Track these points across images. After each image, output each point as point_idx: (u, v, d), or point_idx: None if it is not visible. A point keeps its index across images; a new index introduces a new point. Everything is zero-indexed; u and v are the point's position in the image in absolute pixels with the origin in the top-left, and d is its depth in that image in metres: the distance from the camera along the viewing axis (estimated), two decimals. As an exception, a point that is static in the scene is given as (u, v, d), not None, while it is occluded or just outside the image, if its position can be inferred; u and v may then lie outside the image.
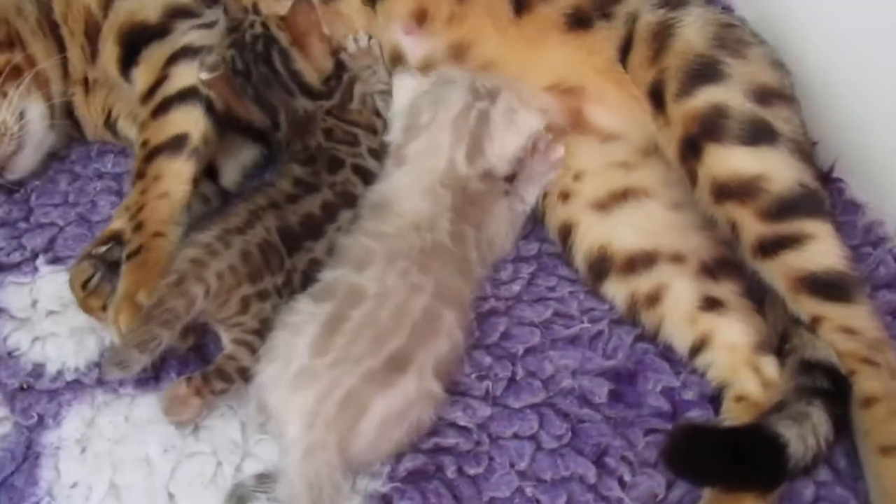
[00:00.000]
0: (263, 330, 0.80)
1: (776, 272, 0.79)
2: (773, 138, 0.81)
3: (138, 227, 0.88)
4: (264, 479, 0.75)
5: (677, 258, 0.87)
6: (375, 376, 0.72)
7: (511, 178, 0.94)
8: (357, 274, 0.79)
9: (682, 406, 0.82)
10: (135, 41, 0.98)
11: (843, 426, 0.74)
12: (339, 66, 0.96)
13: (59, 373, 0.87)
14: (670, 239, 0.88)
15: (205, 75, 0.90)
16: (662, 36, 0.88)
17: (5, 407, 0.85)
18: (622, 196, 0.91)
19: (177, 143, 0.92)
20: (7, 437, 0.83)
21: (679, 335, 0.84)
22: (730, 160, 0.81)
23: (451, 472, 0.75)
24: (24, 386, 0.87)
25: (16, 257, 0.99)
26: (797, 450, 0.67)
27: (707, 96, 0.83)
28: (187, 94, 0.94)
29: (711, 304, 0.83)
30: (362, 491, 0.75)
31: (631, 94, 0.92)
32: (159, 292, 0.77)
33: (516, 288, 0.91)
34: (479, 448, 0.78)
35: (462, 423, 0.79)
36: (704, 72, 0.84)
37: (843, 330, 0.76)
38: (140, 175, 0.92)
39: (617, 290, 0.88)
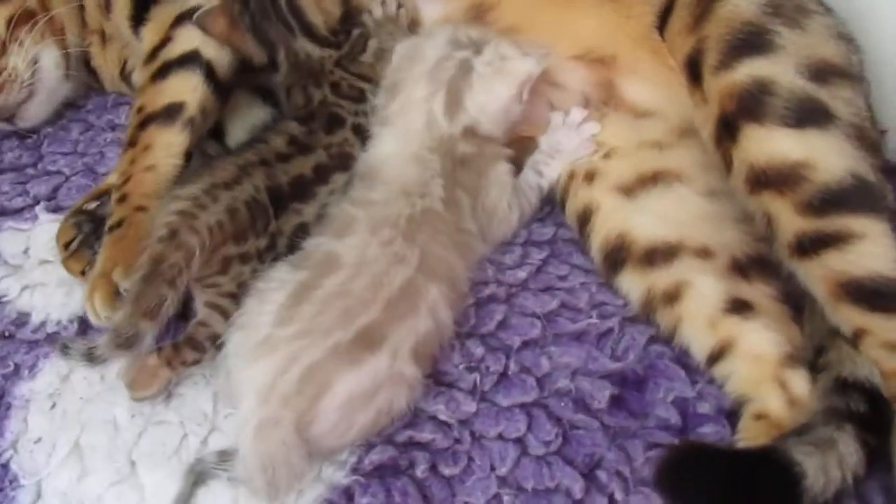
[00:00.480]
0: (239, 295, 0.75)
1: (815, 275, 0.68)
2: (826, 121, 0.70)
3: (122, 198, 0.84)
4: (225, 457, 0.70)
5: (705, 252, 0.77)
6: (342, 352, 0.66)
7: (519, 144, 0.86)
8: (336, 241, 0.73)
9: (693, 420, 0.72)
10: None
11: (880, 459, 0.63)
12: (350, 18, 0.90)
13: (42, 324, 0.85)
14: (699, 230, 0.78)
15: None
16: (706, 1, 0.78)
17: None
18: (651, 179, 0.82)
19: (171, 112, 0.88)
20: (-20, 384, 0.81)
21: (698, 339, 0.74)
22: (769, 143, 0.70)
23: (422, 471, 0.68)
24: (6, 334, 0.84)
25: (18, 203, 0.97)
26: (816, 482, 0.58)
27: (750, 69, 0.72)
28: (187, 59, 0.90)
29: (738, 306, 0.74)
30: (326, 480, 0.69)
31: (668, 67, 0.82)
32: (153, 249, 0.72)
33: (522, 274, 0.82)
34: (459, 446, 0.70)
35: (442, 417, 0.71)
36: (751, 41, 0.74)
37: (891, 346, 0.65)
38: (131, 143, 0.88)
39: (633, 284, 0.79)
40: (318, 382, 0.65)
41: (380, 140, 0.83)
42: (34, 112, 1.04)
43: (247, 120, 0.99)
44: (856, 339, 0.67)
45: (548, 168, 0.88)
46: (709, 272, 0.76)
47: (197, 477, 0.70)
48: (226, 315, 0.74)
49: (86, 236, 0.88)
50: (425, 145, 0.79)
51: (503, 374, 0.75)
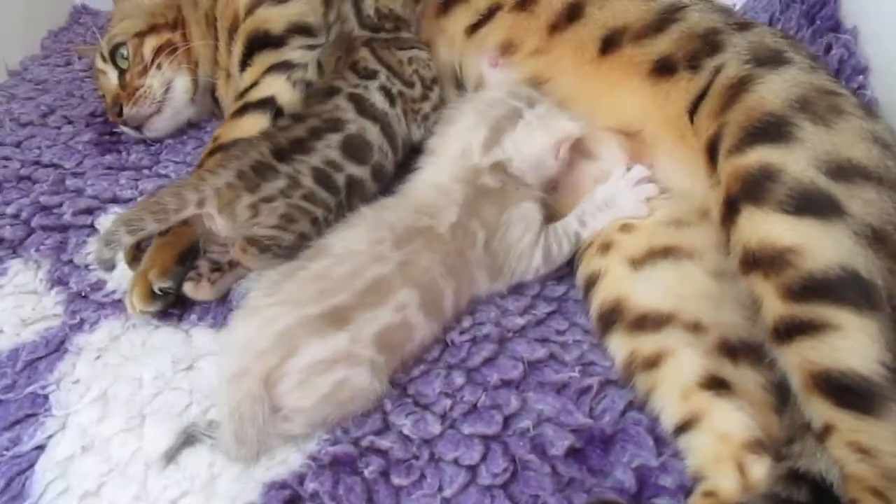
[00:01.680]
0: (286, 225, 0.86)
1: (791, 362, 0.67)
2: (831, 214, 0.70)
3: None
4: (214, 427, 0.78)
5: (696, 327, 0.77)
6: (311, 322, 0.73)
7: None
8: (335, 234, 0.81)
9: (650, 490, 0.71)
10: (254, 45, 1.12)
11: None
12: (402, 20, 1.00)
13: (113, 291, 0.99)
14: (696, 306, 0.79)
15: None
16: (737, 90, 0.80)
17: (62, 305, 0.98)
18: (662, 253, 0.84)
19: None
20: (51, 328, 0.95)
21: (668, 407, 0.74)
22: (764, 226, 0.71)
23: (373, 473, 0.72)
24: (83, 293, 0.99)
25: (127, 194, 1.15)
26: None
27: (760, 155, 0.74)
28: (263, 103, 1.04)
29: (715, 383, 0.73)
30: (284, 462, 0.74)
31: (694, 149, 0.84)
32: (163, 190, 0.86)
33: (521, 321, 0.86)
34: (415, 462, 0.74)
35: (407, 431, 0.76)
36: (768, 130, 0.75)
37: (857, 447, 0.62)
38: (200, 164, 1.03)
39: (619, 345, 0.80)
40: (288, 345, 0.72)
41: (421, 170, 0.91)
42: (158, 126, 1.25)
43: None
44: (823, 433, 0.64)
45: (593, 219, 0.90)
46: (694, 346, 0.76)
47: (186, 438, 0.78)
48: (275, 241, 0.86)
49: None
50: (453, 175, 0.86)
51: (474, 406, 0.78)
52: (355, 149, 0.92)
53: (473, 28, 1.02)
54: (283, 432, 0.74)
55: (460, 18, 1.02)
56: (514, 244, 0.86)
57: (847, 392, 0.63)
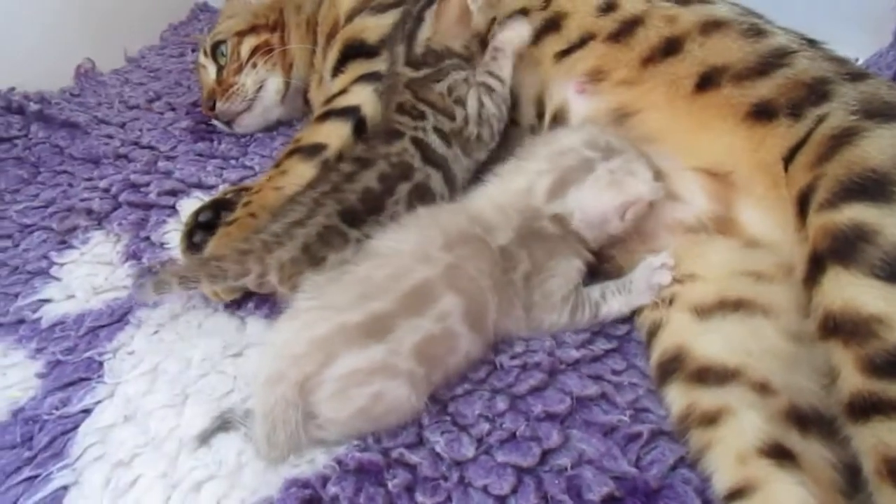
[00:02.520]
0: None
1: (866, 442, 0.60)
2: None
3: (246, 204, 1.00)
4: (249, 416, 0.77)
5: (763, 388, 0.71)
6: (350, 331, 0.71)
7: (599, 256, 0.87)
8: (385, 234, 0.80)
9: (690, 555, 0.65)
10: (349, 53, 1.13)
11: None
12: (444, 55, 0.97)
13: (181, 272, 1.02)
14: (767, 366, 0.72)
15: None
16: (839, 141, 0.74)
17: (132, 279, 1.02)
18: (733, 306, 0.78)
19: (314, 150, 1.03)
20: (118, 299, 0.98)
21: (722, 470, 0.67)
22: (850, 289, 0.64)
23: (397, 487, 0.70)
24: (153, 269, 1.02)
25: (211, 181, 1.19)
26: None
27: (854, 213, 0.67)
28: (347, 111, 1.05)
29: (778, 452, 0.66)
30: (310, 461, 0.73)
31: (786, 200, 0.78)
32: (227, 248, 0.87)
33: (575, 354, 0.82)
34: (443, 482, 0.70)
35: (439, 450, 0.73)
36: (867, 187, 0.68)
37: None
38: (277, 164, 1.04)
39: (677, 396, 0.75)
40: (325, 352, 0.70)
41: (485, 185, 0.88)
42: (248, 122, 1.29)
43: None
44: (893, 529, 0.56)
45: (613, 298, 0.86)
46: (759, 408, 0.69)
47: (222, 424, 0.78)
48: None
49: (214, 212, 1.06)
50: (514, 204, 0.83)
51: (513, 434, 0.74)
52: (420, 199, 0.91)
53: (563, 53, 0.99)
54: (315, 438, 0.73)
55: (549, 45, 1.00)
56: (549, 294, 0.82)
57: (927, 486, 0.55)
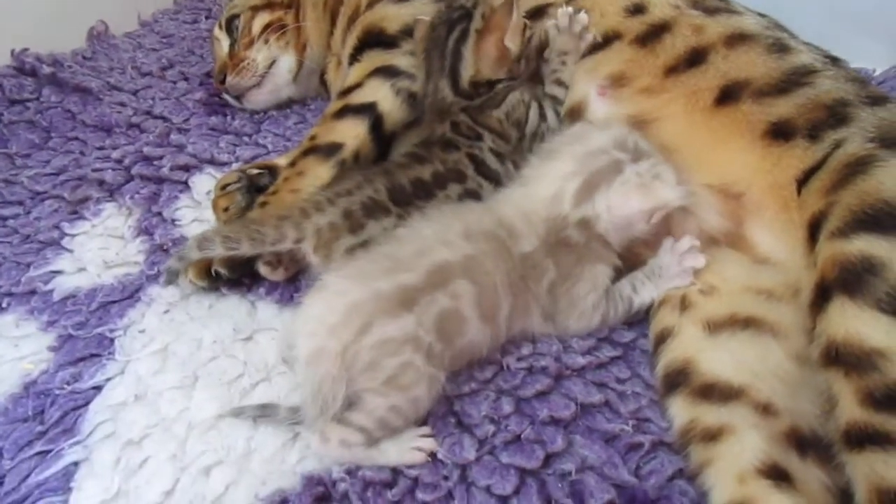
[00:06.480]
0: None
1: (859, 472, 0.62)
2: None
3: (263, 204, 0.99)
4: (296, 413, 0.77)
5: (766, 409, 0.72)
6: (383, 299, 0.72)
7: (631, 259, 0.87)
8: (408, 226, 0.81)
9: (684, 567, 0.67)
10: (368, 41, 1.11)
11: None
12: (497, 81, 0.97)
13: (191, 250, 1.02)
14: (772, 387, 0.74)
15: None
16: (853, 170, 0.74)
17: (144, 255, 1.03)
18: (743, 323, 0.79)
19: (331, 150, 1.02)
20: (130, 275, 0.99)
21: (720, 487, 0.69)
22: (854, 321, 0.65)
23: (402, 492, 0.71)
24: (165, 247, 1.03)
25: (224, 157, 1.19)
26: None
27: (865, 244, 0.68)
28: (364, 108, 1.04)
29: (776, 473, 0.68)
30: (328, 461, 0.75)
31: (795, 223, 0.79)
32: (264, 215, 0.88)
33: (581, 361, 0.83)
34: (445, 482, 0.72)
35: (440, 456, 0.74)
36: (879, 220, 0.69)
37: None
38: (292, 163, 1.03)
39: (680, 409, 0.76)
40: (362, 319, 0.70)
41: (512, 190, 0.88)
42: (257, 99, 1.29)
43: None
44: (883, 556, 0.58)
45: (643, 287, 0.87)
46: (761, 429, 0.71)
47: (263, 413, 0.79)
48: None
49: (239, 187, 1.05)
50: (539, 213, 0.83)
51: (517, 437, 0.75)
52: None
53: (588, 51, 0.99)
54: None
55: None
56: (577, 300, 0.83)
57: (914, 517, 0.57)
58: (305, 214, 0.86)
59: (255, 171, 1.09)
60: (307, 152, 1.03)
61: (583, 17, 0.99)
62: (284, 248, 0.86)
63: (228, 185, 1.06)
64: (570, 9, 0.99)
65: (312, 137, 1.05)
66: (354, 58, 1.12)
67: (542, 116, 0.98)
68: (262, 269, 0.94)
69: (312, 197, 0.89)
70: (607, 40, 0.99)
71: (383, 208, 0.87)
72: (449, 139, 0.95)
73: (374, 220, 0.86)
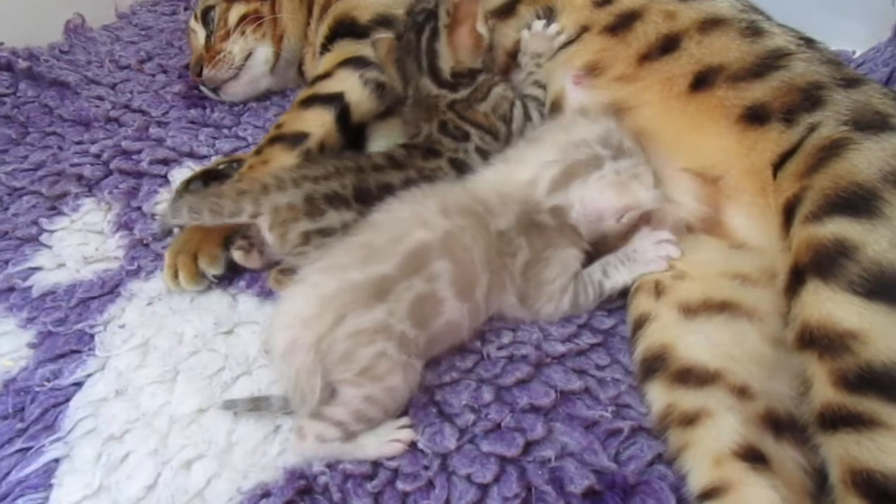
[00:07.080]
0: None
1: (833, 453, 0.63)
2: None
3: None
4: (287, 405, 0.78)
5: (742, 392, 0.73)
6: (356, 289, 0.72)
7: (604, 247, 0.87)
8: (383, 208, 0.81)
9: (664, 550, 0.68)
10: (339, 30, 1.11)
11: None
12: (479, 70, 0.98)
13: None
14: (747, 370, 0.74)
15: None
16: (828, 153, 0.75)
17: (123, 250, 1.02)
18: (718, 307, 0.80)
19: (296, 139, 1.01)
20: (109, 270, 0.99)
21: (697, 470, 0.70)
22: (828, 304, 0.66)
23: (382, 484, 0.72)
24: (145, 241, 1.03)
25: (203, 150, 1.18)
26: None
27: (837, 227, 0.69)
28: (331, 98, 1.03)
29: (752, 455, 0.69)
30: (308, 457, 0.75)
31: (771, 207, 0.80)
32: (227, 187, 0.89)
33: (561, 348, 0.83)
34: (425, 472, 0.72)
35: (421, 446, 0.74)
36: (852, 202, 0.70)
37: (891, 557, 0.57)
38: (258, 151, 1.03)
39: (658, 395, 0.77)
40: (335, 311, 0.71)
41: (488, 168, 0.88)
42: (234, 91, 1.29)
43: (389, 140, 1.09)
44: (857, 534, 0.59)
45: (616, 272, 0.88)
46: (737, 412, 0.71)
47: (254, 405, 0.79)
48: None
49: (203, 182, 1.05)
50: (515, 195, 0.83)
51: (498, 425, 0.76)
52: None
53: (560, 46, 1.00)
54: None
55: None
56: (545, 283, 0.84)
57: (885, 497, 0.58)
58: (265, 191, 0.86)
59: (223, 166, 1.09)
60: (273, 140, 1.02)
61: (554, 27, 1.01)
62: (241, 221, 0.86)
63: (191, 181, 1.06)
64: (543, 21, 1.01)
65: (279, 126, 1.04)
66: (325, 47, 1.11)
67: (528, 116, 0.98)
68: (235, 255, 0.94)
69: (278, 174, 0.88)
70: (577, 33, 0.99)
71: (345, 202, 0.87)
72: (432, 144, 0.95)
73: (335, 210, 0.86)
